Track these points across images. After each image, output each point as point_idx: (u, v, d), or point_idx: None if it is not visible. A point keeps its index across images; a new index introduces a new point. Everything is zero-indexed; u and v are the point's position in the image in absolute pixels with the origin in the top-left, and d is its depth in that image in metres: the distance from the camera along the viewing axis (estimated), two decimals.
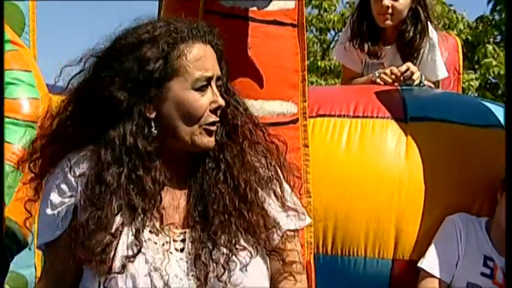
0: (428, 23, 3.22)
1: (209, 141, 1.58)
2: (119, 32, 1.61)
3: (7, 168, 2.45)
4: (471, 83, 11.31)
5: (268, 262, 1.60)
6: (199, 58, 1.56)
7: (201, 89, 1.56)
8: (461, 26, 12.15)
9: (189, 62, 1.55)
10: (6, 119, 2.65)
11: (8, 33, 2.86)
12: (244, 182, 1.59)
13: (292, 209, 1.67)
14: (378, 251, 2.67)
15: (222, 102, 1.59)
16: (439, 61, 3.25)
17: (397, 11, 3.18)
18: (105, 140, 1.53)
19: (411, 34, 3.19)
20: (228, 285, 1.52)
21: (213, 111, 1.58)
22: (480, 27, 12.19)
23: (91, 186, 1.52)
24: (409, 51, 3.19)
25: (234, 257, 1.53)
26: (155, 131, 1.55)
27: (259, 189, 1.62)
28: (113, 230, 1.50)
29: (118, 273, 1.48)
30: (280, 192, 1.66)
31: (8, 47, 2.81)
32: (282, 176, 1.69)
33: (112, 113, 1.53)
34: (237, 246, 1.54)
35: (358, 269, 2.68)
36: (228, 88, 1.66)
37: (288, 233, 1.66)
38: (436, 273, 2.59)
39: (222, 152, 1.61)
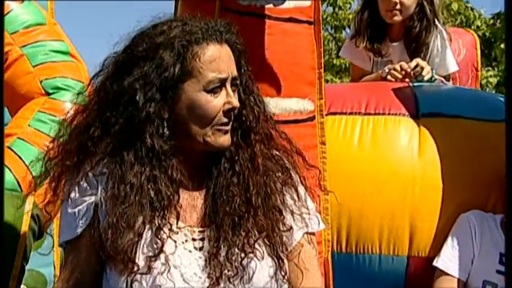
0: (436, 18, 3.21)
1: (224, 140, 1.59)
2: (136, 31, 1.62)
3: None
4: (489, 80, 11.22)
5: (282, 265, 1.60)
6: (214, 59, 1.57)
7: (214, 91, 1.57)
8: (478, 23, 12.06)
9: (202, 64, 1.56)
10: (51, 117, 2.84)
11: (68, 46, 3.06)
12: (254, 186, 1.60)
13: (308, 212, 1.67)
14: (392, 248, 2.66)
15: (236, 103, 1.59)
16: (449, 55, 3.23)
17: (405, 7, 3.16)
18: (126, 141, 1.55)
19: (417, 29, 3.18)
20: (237, 286, 1.53)
21: (227, 112, 1.58)
22: (498, 24, 12.09)
23: (115, 186, 1.54)
24: (416, 46, 3.18)
25: (245, 258, 1.54)
26: (167, 132, 1.55)
27: (273, 194, 1.62)
28: (139, 230, 1.51)
29: (143, 273, 1.50)
30: (295, 197, 1.66)
31: (65, 57, 3.01)
32: (298, 180, 1.69)
33: (132, 115, 1.55)
34: (250, 248, 1.55)
35: (373, 266, 2.67)
36: (248, 87, 1.66)
37: (305, 236, 1.67)
38: (452, 271, 2.57)
39: (237, 154, 1.62)
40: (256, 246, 1.57)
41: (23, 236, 2.44)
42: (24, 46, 2.92)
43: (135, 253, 1.51)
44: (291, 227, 1.63)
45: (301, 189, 1.69)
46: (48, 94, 2.89)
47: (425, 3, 3.20)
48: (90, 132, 1.59)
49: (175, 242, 1.55)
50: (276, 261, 1.59)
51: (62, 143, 1.64)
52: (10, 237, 2.40)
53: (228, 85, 1.59)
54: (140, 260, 1.51)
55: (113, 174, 1.55)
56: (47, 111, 2.85)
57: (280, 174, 1.66)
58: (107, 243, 1.51)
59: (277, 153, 1.68)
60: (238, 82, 1.62)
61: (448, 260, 2.58)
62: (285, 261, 1.61)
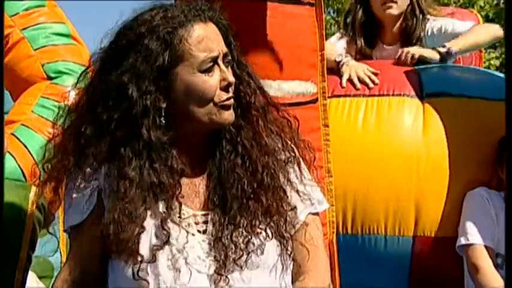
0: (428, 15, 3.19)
1: (228, 115, 1.58)
2: (119, 26, 1.60)
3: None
4: (491, 62, 11.17)
5: (287, 245, 1.60)
6: (201, 39, 1.55)
7: (208, 70, 1.56)
8: (481, 3, 11.99)
9: (191, 46, 1.54)
10: (54, 103, 2.78)
11: (70, 28, 3.00)
12: (262, 166, 1.59)
13: (311, 190, 1.67)
14: (398, 229, 2.67)
15: (231, 79, 1.58)
16: (450, 23, 3.20)
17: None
18: (123, 137, 1.54)
19: (414, 26, 3.15)
20: (244, 268, 1.53)
21: (225, 89, 1.57)
22: (501, 5, 12.02)
23: (115, 182, 1.54)
24: (413, 44, 3.15)
25: (252, 239, 1.54)
26: (164, 121, 1.55)
27: (277, 172, 1.62)
28: (141, 222, 1.51)
29: (149, 262, 1.50)
30: (299, 173, 1.66)
31: (67, 40, 2.95)
32: (299, 155, 1.68)
33: (126, 110, 1.53)
34: (256, 229, 1.55)
35: (379, 247, 2.68)
36: (240, 62, 1.65)
37: (310, 216, 1.66)
38: (481, 241, 2.57)
39: (238, 135, 1.62)
40: (263, 226, 1.57)
41: (28, 226, 2.43)
42: (24, 29, 2.88)
43: (139, 244, 1.51)
44: (295, 206, 1.63)
45: (303, 164, 1.69)
46: (50, 78, 2.85)
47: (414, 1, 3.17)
48: (83, 131, 1.57)
49: (178, 226, 1.55)
50: (282, 240, 1.59)
51: (57, 143, 1.64)
52: (15, 227, 2.37)
53: (220, 62, 1.57)
54: (145, 250, 1.51)
55: (112, 170, 1.55)
56: (50, 96, 2.80)
57: (282, 151, 1.66)
58: (110, 237, 1.51)
59: (277, 128, 1.67)
60: (230, 58, 1.61)
61: (474, 233, 2.58)
62: (289, 240, 1.61)
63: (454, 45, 2.99)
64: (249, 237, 1.54)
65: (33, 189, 2.46)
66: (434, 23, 3.19)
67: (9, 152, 2.55)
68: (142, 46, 1.53)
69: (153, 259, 1.50)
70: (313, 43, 2.28)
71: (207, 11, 1.59)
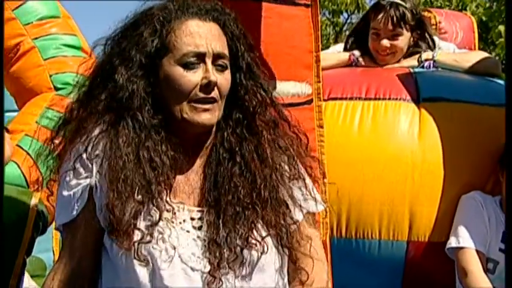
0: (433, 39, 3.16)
1: (204, 118, 1.56)
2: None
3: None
4: None
5: (282, 254, 1.59)
6: (190, 33, 1.55)
7: (191, 66, 1.55)
8: (474, 6, 12.04)
9: (177, 38, 1.55)
10: (59, 114, 2.80)
11: (81, 41, 3.02)
12: (261, 178, 1.58)
13: (309, 194, 1.67)
14: (392, 233, 2.67)
15: (212, 78, 1.55)
16: (443, 47, 3.22)
17: (397, 49, 3.08)
18: (117, 119, 1.55)
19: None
20: (237, 271, 1.52)
21: (204, 88, 1.55)
22: (494, 7, 12.06)
23: (113, 156, 1.53)
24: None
25: (245, 248, 1.53)
26: (151, 107, 1.55)
27: (280, 187, 1.60)
28: (138, 197, 1.50)
29: (146, 242, 1.48)
30: (304, 189, 1.65)
31: (77, 52, 2.97)
32: (304, 171, 1.67)
33: (113, 92, 1.55)
34: (252, 239, 1.54)
35: (373, 251, 2.68)
36: (250, 71, 1.63)
37: (306, 216, 1.66)
38: (472, 245, 2.56)
39: (239, 145, 1.60)
40: (258, 237, 1.55)
41: (27, 233, 2.42)
42: (36, 38, 2.89)
43: (137, 220, 1.50)
44: (297, 220, 1.62)
45: (308, 180, 1.68)
46: (56, 89, 2.85)
47: (420, 42, 3.13)
48: (79, 112, 1.60)
49: (172, 222, 1.54)
50: (279, 251, 1.58)
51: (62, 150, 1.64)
52: (14, 234, 2.36)
53: (208, 61, 1.56)
54: (142, 228, 1.50)
55: (108, 155, 1.54)
56: (55, 107, 2.78)
57: (287, 166, 1.64)
58: (115, 210, 1.49)
59: (284, 141, 1.66)
60: (226, 62, 1.59)
61: (465, 236, 2.58)
62: (288, 250, 1.60)
63: (441, 57, 3.04)
64: (245, 244, 1.53)
65: (35, 195, 2.46)
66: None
67: (13, 160, 2.54)
68: (135, 32, 1.55)
69: (150, 238, 1.49)
70: (309, 44, 2.28)
71: (210, 11, 1.58)
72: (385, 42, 3.05)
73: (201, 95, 1.55)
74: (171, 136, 1.57)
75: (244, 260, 1.53)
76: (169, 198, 1.55)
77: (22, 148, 2.68)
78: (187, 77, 1.54)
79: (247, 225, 1.54)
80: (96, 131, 1.56)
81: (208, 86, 1.55)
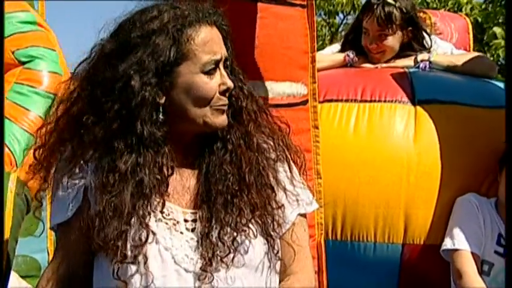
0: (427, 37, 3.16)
1: (223, 120, 1.60)
2: (123, 17, 1.60)
3: (21, 133, 2.60)
4: None
5: (273, 244, 1.59)
6: (207, 41, 1.57)
7: (210, 72, 1.57)
8: (469, 8, 12.06)
9: (197, 46, 1.56)
10: (29, 88, 2.80)
11: (36, 17, 3.00)
12: (247, 163, 1.60)
13: (301, 190, 1.67)
14: (387, 236, 2.66)
15: (230, 84, 1.60)
16: (441, 46, 3.22)
17: (386, 49, 3.10)
18: (119, 128, 1.53)
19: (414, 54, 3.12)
20: (230, 266, 1.53)
21: (223, 93, 1.59)
22: (490, 9, 12.09)
23: (104, 174, 1.52)
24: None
25: (238, 237, 1.54)
26: (162, 117, 1.55)
27: (266, 170, 1.62)
28: (127, 218, 1.50)
29: (131, 263, 1.49)
30: (289, 173, 1.66)
31: (33, 27, 2.95)
32: (290, 157, 1.69)
33: (126, 100, 1.53)
34: (241, 227, 1.55)
35: (368, 254, 2.68)
36: (234, 68, 1.67)
37: (298, 217, 1.66)
38: (467, 247, 2.56)
39: (229, 133, 1.63)
40: (249, 225, 1.56)
41: (8, 218, 2.40)
42: None
43: (125, 242, 1.50)
44: (283, 205, 1.63)
45: (293, 166, 1.69)
46: (22, 63, 2.84)
47: (413, 42, 3.13)
48: (83, 120, 1.56)
49: (166, 224, 1.54)
50: (268, 239, 1.59)
51: (51, 132, 1.62)
52: None
53: (221, 66, 1.59)
54: (129, 248, 1.50)
55: (103, 162, 1.54)
56: (25, 82, 2.80)
57: (272, 150, 1.66)
58: (94, 231, 1.50)
59: (268, 131, 1.68)
60: (228, 63, 1.63)
61: (460, 238, 2.58)
62: (277, 239, 1.61)
63: (437, 59, 3.03)
64: (235, 234, 1.54)
65: (12, 177, 2.43)
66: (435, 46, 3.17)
67: None
68: (151, 41, 1.54)
69: (134, 260, 1.49)
70: (304, 45, 2.28)
71: (212, 15, 1.60)
72: (372, 43, 3.08)
73: (221, 101, 1.59)
74: (173, 147, 1.57)
75: (236, 253, 1.53)
76: (164, 205, 1.54)
77: None
78: (209, 83, 1.57)
79: (237, 212, 1.56)
80: (98, 139, 1.55)
81: (227, 91, 1.59)
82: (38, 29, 2.95)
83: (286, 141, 1.69)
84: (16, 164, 2.54)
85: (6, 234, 2.38)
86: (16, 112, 2.72)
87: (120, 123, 1.53)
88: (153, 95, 1.54)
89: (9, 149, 2.55)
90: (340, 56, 3.17)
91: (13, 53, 2.86)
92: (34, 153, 1.63)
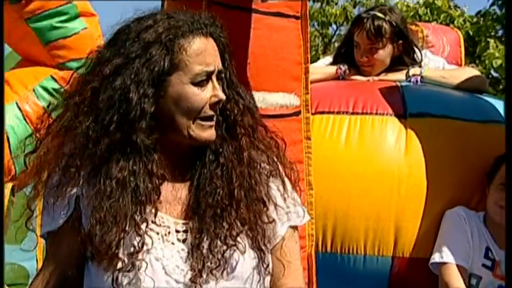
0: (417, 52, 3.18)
1: (210, 134, 1.58)
2: (119, 25, 1.60)
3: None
4: None
5: (264, 257, 1.59)
6: (200, 52, 1.55)
7: (201, 84, 1.55)
8: (461, 20, 12.15)
9: (189, 57, 1.54)
10: (57, 86, 2.72)
11: (77, 7, 2.88)
12: (237, 178, 1.59)
13: (293, 205, 1.67)
14: (377, 249, 2.66)
15: (222, 96, 1.57)
16: (432, 61, 3.24)
17: (377, 62, 3.11)
18: (116, 139, 1.53)
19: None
20: (220, 279, 1.52)
21: (213, 105, 1.57)
22: (481, 22, 12.17)
23: (102, 181, 1.51)
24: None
25: (228, 250, 1.53)
26: (151, 124, 1.53)
27: (257, 185, 1.61)
28: (124, 226, 1.50)
29: (127, 271, 1.48)
30: (281, 188, 1.65)
31: (77, 25, 2.87)
32: (284, 172, 1.68)
33: (125, 112, 1.52)
34: (230, 240, 1.54)
35: (357, 266, 2.67)
36: (231, 81, 1.65)
37: (289, 229, 1.65)
38: (454, 260, 2.57)
39: (221, 146, 1.61)
40: (239, 239, 1.55)
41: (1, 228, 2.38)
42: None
43: (120, 250, 1.49)
44: (274, 220, 1.62)
45: (287, 182, 1.68)
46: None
47: (403, 55, 3.14)
48: (89, 133, 1.54)
49: (157, 234, 1.54)
50: (258, 253, 1.58)
51: (43, 138, 1.62)
52: None
53: (214, 78, 1.57)
54: (123, 257, 1.50)
55: (99, 169, 1.53)
56: (58, 80, 2.74)
57: (266, 165, 1.65)
58: (95, 238, 1.49)
59: (262, 146, 1.67)
60: (223, 75, 1.61)
61: (448, 251, 2.59)
62: (267, 253, 1.60)
63: (428, 73, 3.05)
64: (225, 247, 1.54)
65: (7, 186, 2.41)
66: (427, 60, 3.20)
67: None
68: (146, 52, 1.53)
69: (131, 267, 1.48)
70: (298, 56, 2.28)
71: (209, 26, 1.59)
72: (363, 56, 3.10)
73: (210, 112, 1.56)
74: (163, 156, 1.56)
75: (226, 265, 1.52)
76: (155, 215, 1.54)
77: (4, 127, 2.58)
78: (199, 95, 1.55)
79: (227, 226, 1.55)
80: (103, 151, 1.54)
81: (217, 103, 1.57)
82: (81, 28, 2.87)
83: (281, 157, 1.68)
84: (14, 177, 2.49)
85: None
86: (33, 112, 2.68)
87: (120, 134, 1.52)
88: (142, 103, 1.53)
89: (13, 161, 2.51)
90: (333, 69, 3.18)
91: (56, 66, 2.81)
92: (25, 160, 1.62)
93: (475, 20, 12.41)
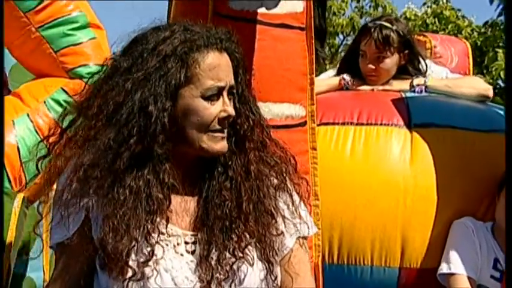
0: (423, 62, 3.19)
1: (222, 146, 1.59)
2: (136, 33, 1.61)
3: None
4: None
5: (272, 269, 1.59)
6: (213, 67, 1.57)
7: (211, 98, 1.57)
8: (469, 30, 12.14)
9: (201, 71, 1.56)
10: (69, 98, 2.74)
11: (87, 16, 2.95)
12: (246, 191, 1.60)
13: (300, 217, 1.67)
14: (384, 260, 2.65)
15: (232, 112, 1.59)
16: (435, 71, 3.25)
17: (383, 71, 3.12)
18: (130, 148, 1.53)
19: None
20: None
21: (222, 120, 1.58)
22: (489, 32, 12.16)
23: (115, 190, 1.52)
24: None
25: (236, 262, 1.54)
26: (163, 135, 1.55)
27: (265, 198, 1.62)
28: (133, 234, 1.50)
29: (138, 280, 1.49)
30: (289, 202, 1.66)
31: (86, 34, 2.92)
32: (292, 186, 1.68)
33: (145, 125, 1.54)
34: (239, 252, 1.55)
35: (365, 277, 2.66)
36: (244, 96, 1.66)
37: (297, 241, 1.66)
38: (467, 272, 2.56)
39: (230, 159, 1.63)
40: (247, 251, 1.56)
41: (11, 235, 2.38)
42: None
43: (129, 257, 1.50)
44: (282, 232, 1.63)
45: (295, 195, 1.69)
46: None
47: (408, 65, 3.15)
48: (109, 144, 1.55)
49: (167, 245, 1.54)
50: (267, 265, 1.59)
51: (55, 143, 1.62)
52: None
53: (225, 93, 1.59)
54: (134, 265, 1.50)
55: (109, 178, 1.54)
56: (69, 91, 2.77)
57: (274, 179, 1.66)
58: (108, 246, 1.49)
59: (272, 159, 1.68)
60: (234, 91, 1.63)
61: (456, 262, 2.57)
62: (276, 265, 1.61)
63: (432, 83, 3.05)
64: (234, 259, 1.54)
65: (18, 196, 2.41)
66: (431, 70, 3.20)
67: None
68: (164, 67, 1.55)
69: (141, 276, 1.49)
70: (303, 67, 2.28)
71: (225, 41, 1.60)
72: (370, 65, 3.11)
73: (218, 126, 1.58)
74: (174, 166, 1.57)
75: (235, 277, 1.53)
76: (164, 225, 1.54)
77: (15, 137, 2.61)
78: (209, 109, 1.57)
79: (236, 238, 1.55)
80: (97, 154, 1.55)
81: (226, 119, 1.58)
82: (90, 37, 2.91)
83: (290, 171, 1.69)
84: (25, 186, 2.51)
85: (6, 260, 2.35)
86: (44, 124, 2.71)
87: (141, 147, 1.53)
88: (156, 114, 1.54)
89: (24, 171, 2.53)
90: (336, 80, 3.19)
91: (67, 72, 2.85)
92: (37, 164, 1.63)
93: (482, 30, 12.41)
